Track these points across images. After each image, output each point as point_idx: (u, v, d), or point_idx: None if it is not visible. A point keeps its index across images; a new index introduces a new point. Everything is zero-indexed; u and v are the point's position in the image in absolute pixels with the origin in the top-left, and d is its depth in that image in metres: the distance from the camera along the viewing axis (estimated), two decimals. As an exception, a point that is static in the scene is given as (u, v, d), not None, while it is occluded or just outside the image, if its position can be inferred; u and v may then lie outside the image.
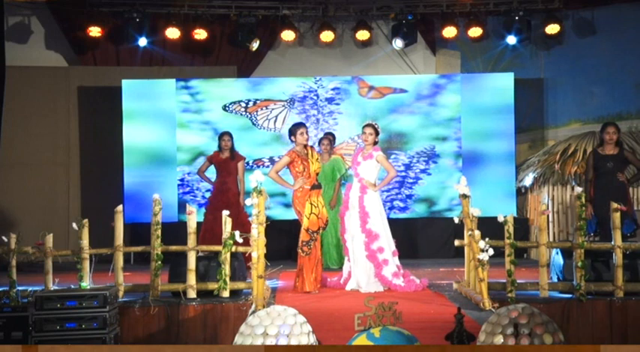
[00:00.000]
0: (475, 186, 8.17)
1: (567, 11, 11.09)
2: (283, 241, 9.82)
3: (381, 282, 7.26)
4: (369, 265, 7.28)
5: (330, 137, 9.48)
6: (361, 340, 4.32)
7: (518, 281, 6.49)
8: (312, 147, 7.69)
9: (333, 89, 10.86)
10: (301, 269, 7.31)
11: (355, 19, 11.30)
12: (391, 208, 10.63)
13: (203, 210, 9.56)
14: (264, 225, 6.36)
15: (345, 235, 7.55)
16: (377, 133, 7.56)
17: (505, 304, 5.66)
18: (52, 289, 6.41)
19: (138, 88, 10.71)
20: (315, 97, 10.83)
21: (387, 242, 7.36)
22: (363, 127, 7.60)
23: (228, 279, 6.47)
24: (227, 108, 10.82)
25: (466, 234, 6.77)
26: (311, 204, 7.37)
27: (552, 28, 10.85)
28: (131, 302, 6.40)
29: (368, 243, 7.30)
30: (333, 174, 9.12)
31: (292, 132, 7.56)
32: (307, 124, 10.59)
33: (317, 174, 7.57)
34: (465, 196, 6.81)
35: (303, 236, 7.32)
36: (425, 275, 7.74)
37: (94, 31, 10.78)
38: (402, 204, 10.75)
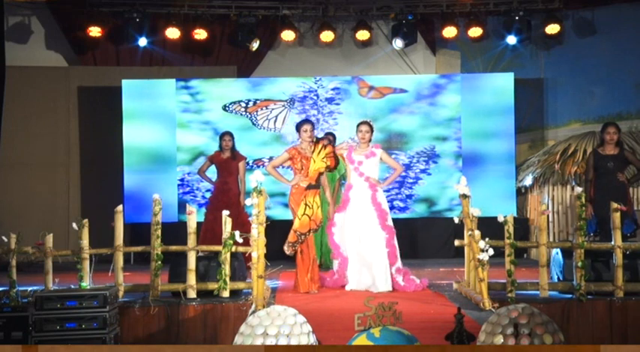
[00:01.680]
0: (475, 186, 8.17)
1: (567, 11, 11.10)
2: (283, 241, 9.80)
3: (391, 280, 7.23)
4: (387, 263, 7.20)
5: (330, 137, 9.47)
6: (361, 340, 4.32)
7: (518, 281, 6.49)
8: (326, 144, 7.59)
9: (333, 89, 10.86)
10: (296, 271, 7.30)
11: (355, 19, 11.30)
12: (391, 208, 10.54)
13: (203, 210, 9.57)
14: (264, 225, 6.35)
15: (334, 237, 7.47)
16: (372, 131, 7.54)
17: (505, 304, 5.66)
18: (52, 289, 6.41)
19: (138, 88, 10.71)
20: (315, 97, 10.84)
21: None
22: (359, 125, 7.53)
23: (228, 279, 6.47)
24: (227, 108, 10.82)
25: (466, 234, 6.76)
26: (306, 204, 7.25)
27: (552, 28, 10.85)
28: (131, 302, 6.40)
29: (389, 239, 7.26)
30: (333, 174, 9.11)
31: (297, 128, 7.49)
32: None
33: (321, 173, 7.41)
34: (465, 196, 6.80)
35: (290, 236, 7.22)
36: (425, 275, 7.73)
37: (94, 31, 10.78)
38: (402, 204, 10.75)
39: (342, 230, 7.50)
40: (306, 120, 7.64)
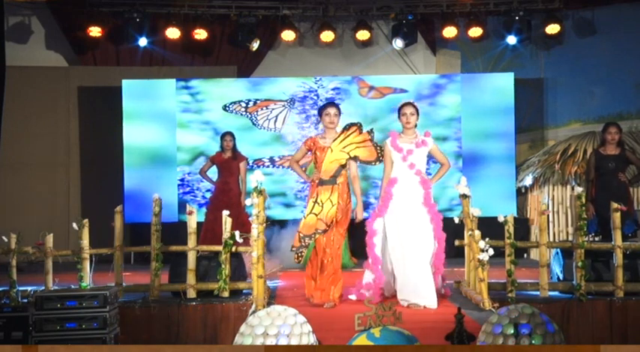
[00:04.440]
0: (475, 186, 8.15)
1: (567, 11, 11.09)
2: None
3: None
4: (431, 277, 6.28)
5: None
6: (361, 340, 4.31)
7: (518, 281, 6.49)
8: (359, 131, 6.34)
9: (333, 89, 10.86)
10: (305, 277, 6.52)
11: (355, 19, 11.30)
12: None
13: (203, 210, 9.56)
14: (264, 225, 6.34)
15: (376, 249, 6.41)
16: (418, 113, 6.41)
17: (505, 304, 5.66)
18: (52, 289, 6.41)
19: (138, 88, 10.71)
20: (315, 97, 10.82)
21: None
22: (402, 107, 6.43)
23: (228, 279, 6.47)
24: (227, 108, 10.81)
25: (466, 234, 6.75)
26: (315, 202, 6.26)
27: (552, 28, 10.85)
28: (131, 302, 6.40)
29: (439, 249, 6.40)
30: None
31: (319, 112, 6.47)
32: (307, 124, 10.60)
33: (342, 166, 6.32)
34: (465, 196, 6.78)
35: (295, 240, 6.37)
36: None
37: (94, 31, 10.79)
38: (402, 204, 10.72)
39: (385, 239, 6.41)
40: (330, 103, 6.52)
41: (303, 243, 6.26)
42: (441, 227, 6.39)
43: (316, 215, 6.25)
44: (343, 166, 6.31)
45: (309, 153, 6.52)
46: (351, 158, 6.34)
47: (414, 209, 6.33)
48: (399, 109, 6.47)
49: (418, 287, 6.20)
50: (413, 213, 6.32)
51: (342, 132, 6.34)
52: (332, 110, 6.33)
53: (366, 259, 6.62)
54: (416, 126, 6.45)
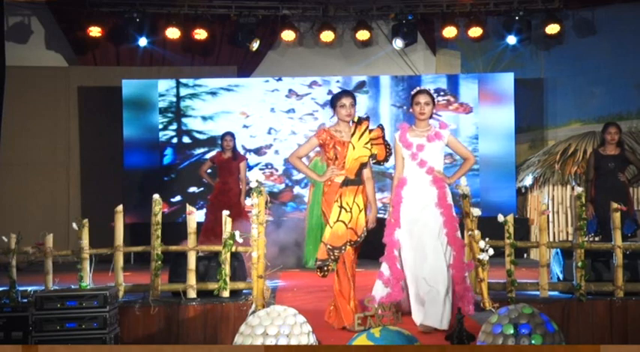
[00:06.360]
0: (475, 186, 8.15)
1: (567, 11, 11.10)
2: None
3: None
4: (449, 293, 5.47)
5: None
6: (361, 340, 4.31)
7: (518, 281, 6.49)
8: (370, 127, 5.58)
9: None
10: (335, 298, 5.58)
11: (355, 19, 11.30)
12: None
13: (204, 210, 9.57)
14: (264, 225, 6.33)
15: (397, 264, 5.61)
16: (434, 103, 5.63)
17: (505, 304, 5.65)
18: (52, 289, 6.41)
19: (138, 88, 10.71)
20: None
21: None
22: (416, 95, 5.63)
23: (228, 279, 6.46)
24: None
25: (466, 234, 6.74)
26: (341, 206, 5.42)
27: (552, 28, 10.85)
28: (131, 302, 6.39)
29: (458, 257, 5.59)
30: (319, 167, 9.02)
31: (332, 103, 5.62)
32: (305, 123, 10.60)
33: (363, 165, 5.53)
34: (464, 196, 6.78)
35: (320, 252, 5.47)
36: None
37: (94, 31, 10.79)
38: (402, 204, 10.72)
39: (407, 251, 5.62)
40: (345, 92, 5.65)
41: (332, 256, 5.40)
42: (456, 231, 5.62)
43: (345, 223, 5.41)
44: (364, 165, 5.54)
45: (319, 148, 5.68)
46: (370, 156, 5.59)
47: (426, 213, 5.56)
48: (412, 97, 5.66)
49: (428, 307, 5.44)
50: (425, 219, 5.56)
51: (356, 126, 5.53)
52: (348, 101, 5.49)
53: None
54: (431, 116, 5.67)
